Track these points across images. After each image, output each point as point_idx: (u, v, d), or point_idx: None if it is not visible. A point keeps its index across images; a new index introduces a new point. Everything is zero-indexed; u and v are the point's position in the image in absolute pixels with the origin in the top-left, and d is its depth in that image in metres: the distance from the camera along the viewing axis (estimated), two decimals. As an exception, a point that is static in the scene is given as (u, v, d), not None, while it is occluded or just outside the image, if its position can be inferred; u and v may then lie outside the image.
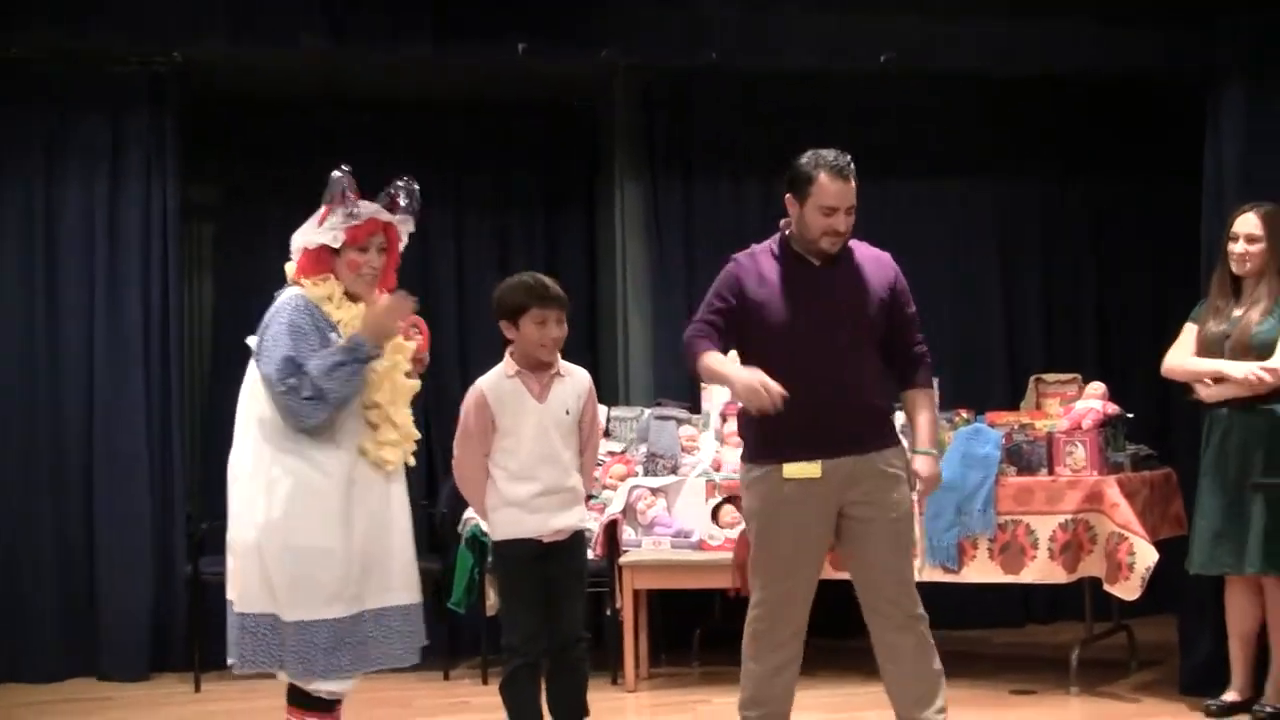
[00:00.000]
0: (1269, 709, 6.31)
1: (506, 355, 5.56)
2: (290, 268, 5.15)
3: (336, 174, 5.13)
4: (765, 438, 5.02)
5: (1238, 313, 6.42)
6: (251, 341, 4.97)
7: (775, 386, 4.69)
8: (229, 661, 5.10)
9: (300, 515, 4.82)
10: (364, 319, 4.94)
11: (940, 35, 7.56)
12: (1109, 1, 7.21)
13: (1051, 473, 7.02)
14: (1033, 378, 8.07)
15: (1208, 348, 6.45)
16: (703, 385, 8.08)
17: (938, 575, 6.97)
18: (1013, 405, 8.03)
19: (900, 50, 7.47)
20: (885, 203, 9.22)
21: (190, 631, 7.89)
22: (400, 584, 5.02)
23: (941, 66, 8.08)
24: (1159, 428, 7.81)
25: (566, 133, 9.36)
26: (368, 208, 5.07)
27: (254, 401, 4.97)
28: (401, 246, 5.28)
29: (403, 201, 5.24)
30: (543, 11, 7.06)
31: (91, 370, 8.06)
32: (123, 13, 6.84)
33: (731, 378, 4.91)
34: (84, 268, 8.11)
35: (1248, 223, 6.42)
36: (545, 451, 5.46)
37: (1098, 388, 7.46)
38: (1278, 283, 6.39)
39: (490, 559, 6.11)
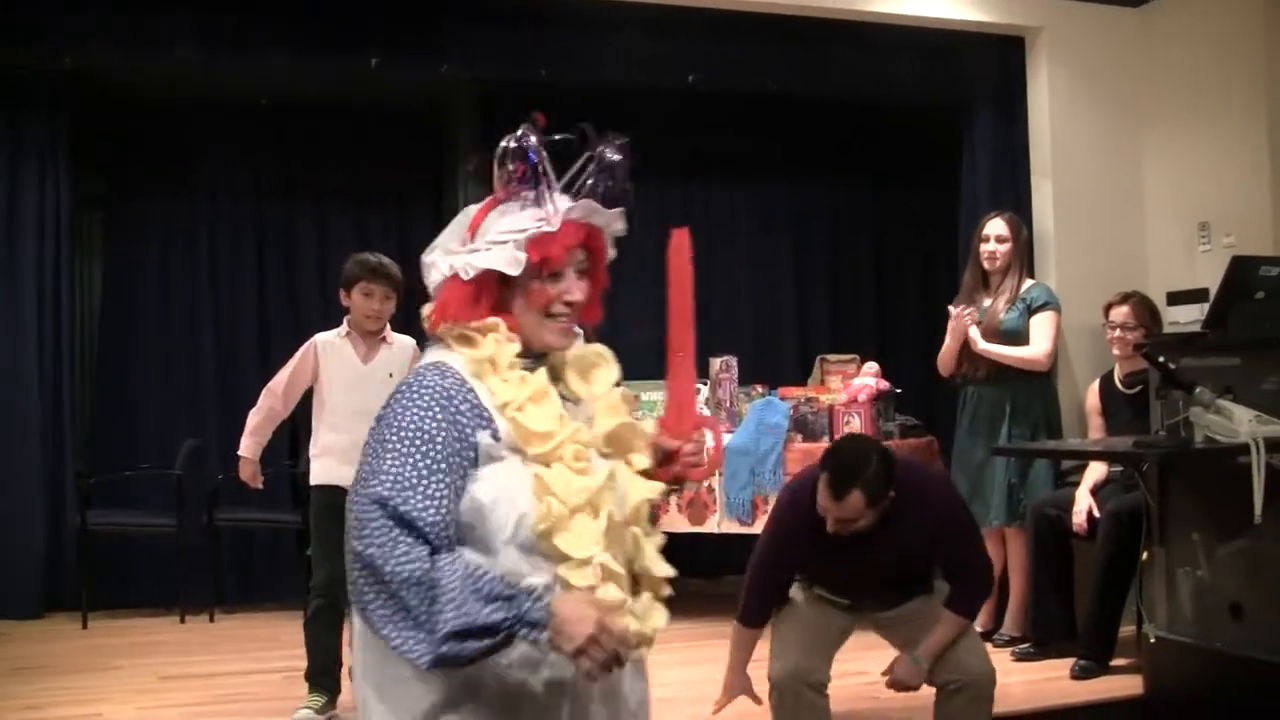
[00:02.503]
0: (1007, 636, 6.65)
1: (345, 319, 5.68)
2: (428, 310, 2.70)
3: (517, 142, 2.77)
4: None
5: (987, 303, 6.71)
6: None
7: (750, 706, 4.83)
8: None
9: None
10: (564, 608, 2.39)
11: (735, 57, 7.70)
12: (882, 39, 7.42)
13: (832, 439, 7.23)
14: (819, 358, 8.26)
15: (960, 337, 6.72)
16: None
17: (734, 527, 7.13)
18: (801, 381, 8.20)
19: (702, 71, 7.60)
20: (692, 203, 9.46)
21: (79, 575, 7.86)
22: None
23: (738, 86, 8.22)
24: (923, 401, 8.05)
25: (417, 136, 9.38)
26: (570, 205, 2.72)
27: None
28: (609, 257, 2.88)
29: (600, 184, 2.80)
30: (392, 30, 7.12)
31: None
32: (19, 24, 6.79)
33: (727, 672, 4.87)
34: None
35: (997, 226, 6.74)
36: (360, 407, 5.16)
37: (872, 367, 7.66)
38: (1018, 278, 6.71)
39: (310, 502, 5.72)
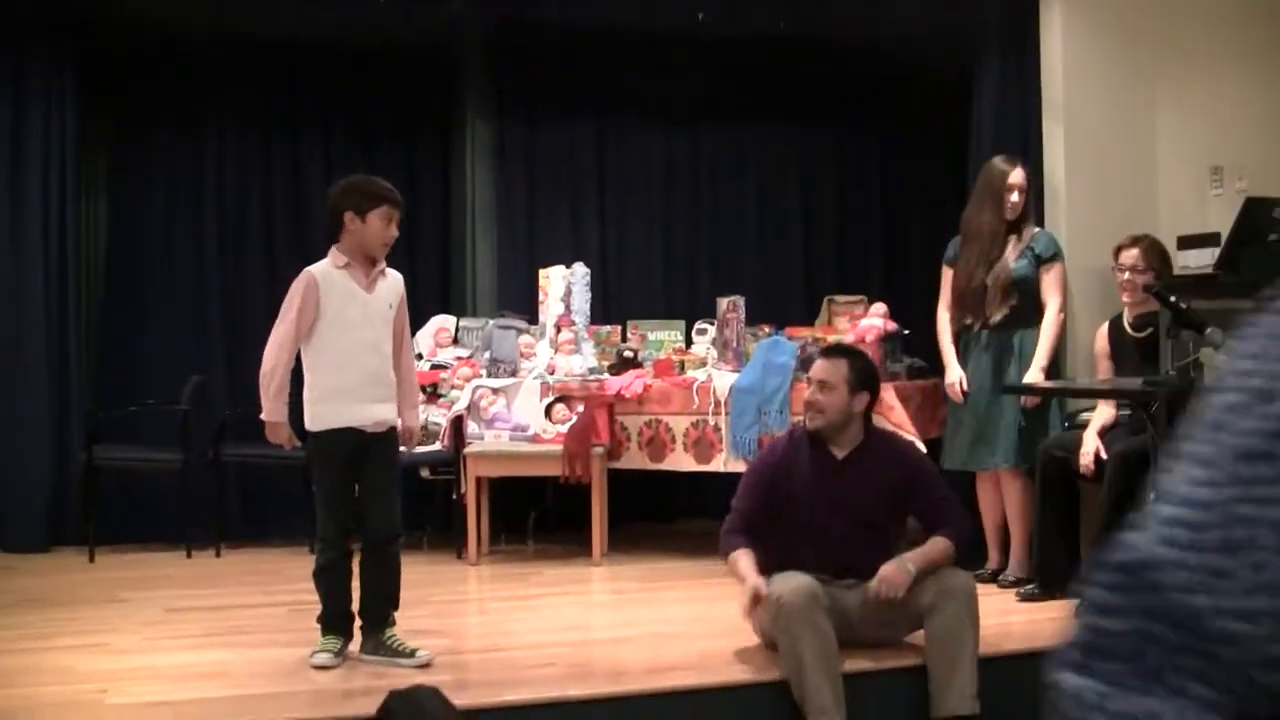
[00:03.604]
0: (1012, 577, 6.64)
1: (333, 250, 5.28)
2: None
3: None
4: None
5: (1009, 249, 6.67)
6: None
7: (752, 602, 4.83)
8: None
9: None
10: None
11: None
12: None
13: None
14: (826, 298, 8.29)
15: (965, 287, 6.70)
16: (540, 300, 8.18)
17: (740, 467, 7.09)
18: (809, 322, 8.23)
19: (711, 11, 7.57)
20: (700, 146, 9.43)
21: (85, 509, 7.88)
22: None
23: (747, 27, 8.15)
24: (931, 343, 8.00)
25: (425, 75, 9.28)
26: None
27: None
28: None
29: None
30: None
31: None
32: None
33: (741, 581, 4.90)
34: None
35: (1020, 175, 6.67)
36: (369, 339, 5.23)
37: (880, 308, 7.67)
38: (1031, 227, 6.70)
39: (308, 449, 5.37)
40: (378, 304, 5.27)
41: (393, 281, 5.38)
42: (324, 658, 5.15)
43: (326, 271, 5.21)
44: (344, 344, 5.19)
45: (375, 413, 5.24)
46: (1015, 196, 6.65)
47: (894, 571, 4.88)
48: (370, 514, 5.31)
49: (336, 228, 5.25)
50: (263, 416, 5.26)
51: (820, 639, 4.73)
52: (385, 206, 5.19)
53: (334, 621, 5.27)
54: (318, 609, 5.32)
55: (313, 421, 5.22)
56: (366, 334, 5.22)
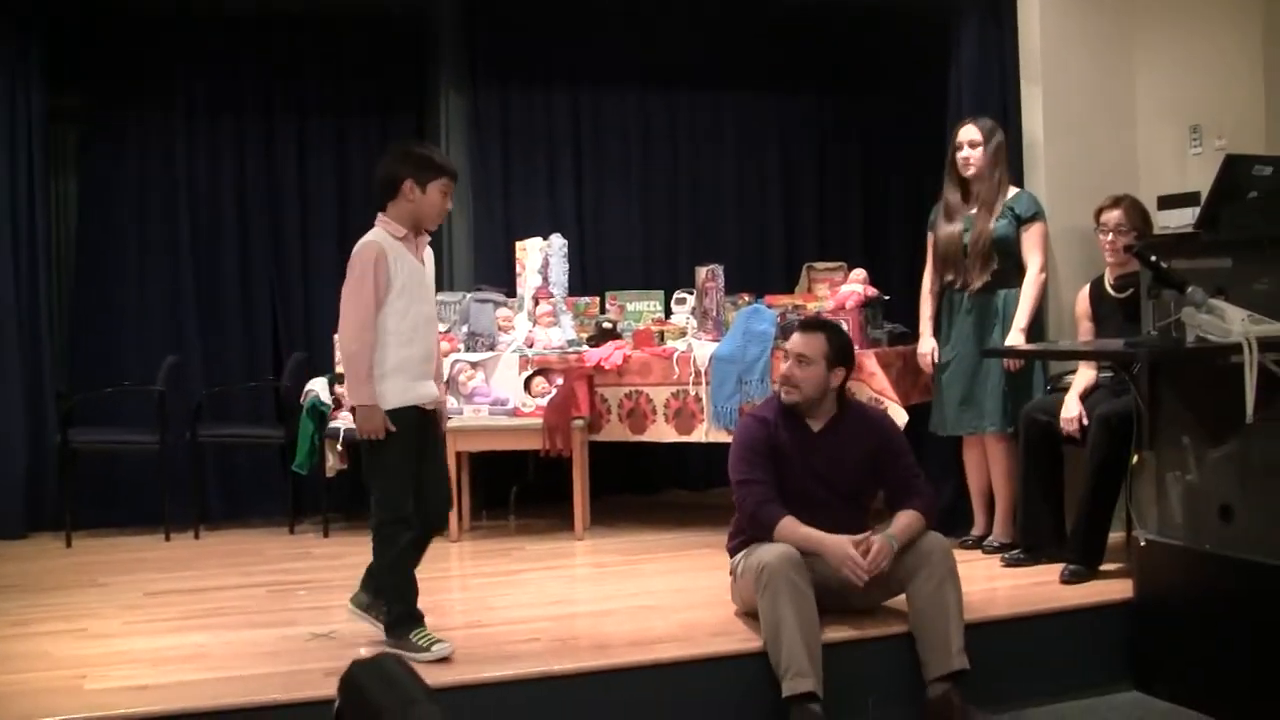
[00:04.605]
0: (997, 543, 6.66)
1: (387, 220, 5.04)
2: None
3: None
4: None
5: (971, 212, 6.67)
6: None
7: (861, 560, 4.89)
8: None
9: None
10: None
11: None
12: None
13: (819, 348, 7.18)
14: (806, 266, 8.27)
15: (946, 248, 6.71)
16: (518, 272, 8.14)
17: (722, 437, 7.10)
18: (788, 290, 8.22)
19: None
20: (678, 113, 9.39)
21: (62, 494, 7.85)
22: None
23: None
24: (911, 308, 7.98)
25: (397, 45, 9.17)
26: None
27: None
28: None
29: None
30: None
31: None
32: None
33: (824, 546, 4.97)
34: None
35: (969, 131, 6.71)
36: (429, 312, 5.13)
37: (860, 274, 7.64)
38: (1001, 185, 6.68)
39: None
40: (429, 276, 5.17)
41: (430, 255, 5.24)
42: (444, 647, 4.93)
43: (390, 242, 5.00)
44: (411, 318, 5.01)
45: (433, 389, 5.15)
46: (964, 152, 6.67)
47: (883, 545, 4.95)
48: (432, 495, 5.17)
49: (389, 195, 5.03)
50: (355, 403, 5.01)
51: (800, 601, 4.80)
52: (445, 178, 5.05)
53: (417, 611, 5.09)
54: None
55: (385, 398, 4.97)
56: (427, 308, 5.12)
